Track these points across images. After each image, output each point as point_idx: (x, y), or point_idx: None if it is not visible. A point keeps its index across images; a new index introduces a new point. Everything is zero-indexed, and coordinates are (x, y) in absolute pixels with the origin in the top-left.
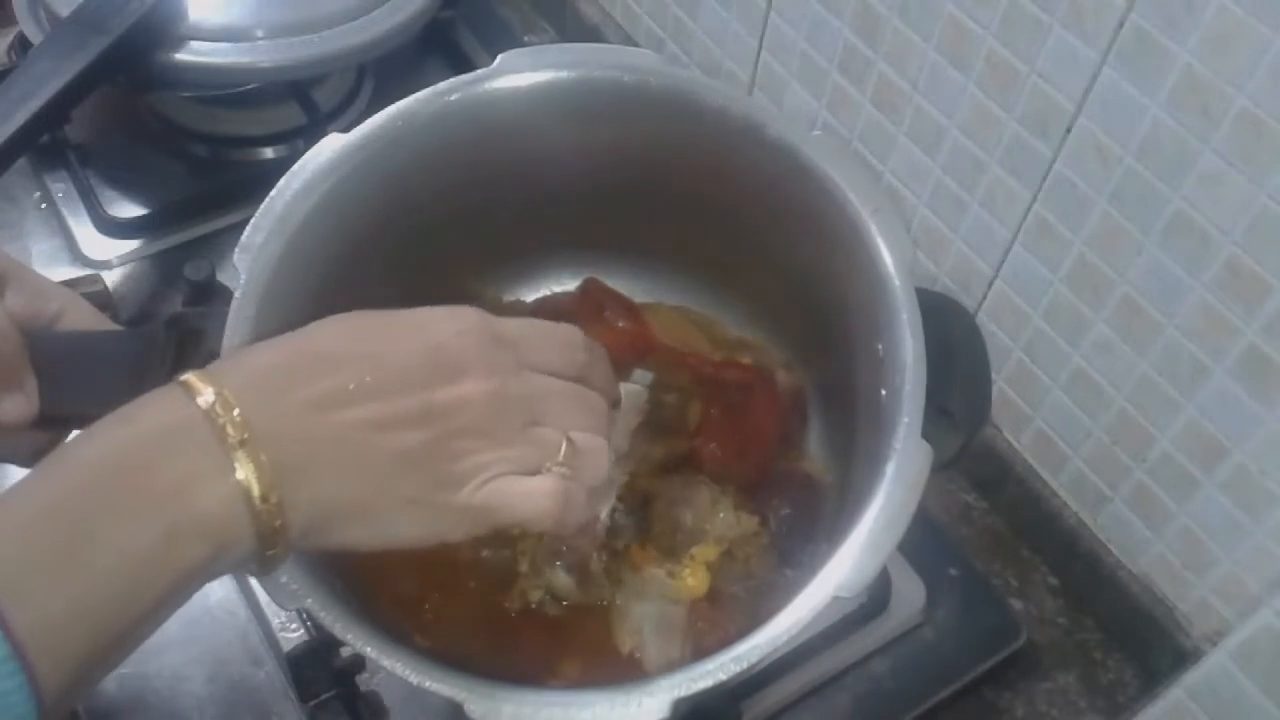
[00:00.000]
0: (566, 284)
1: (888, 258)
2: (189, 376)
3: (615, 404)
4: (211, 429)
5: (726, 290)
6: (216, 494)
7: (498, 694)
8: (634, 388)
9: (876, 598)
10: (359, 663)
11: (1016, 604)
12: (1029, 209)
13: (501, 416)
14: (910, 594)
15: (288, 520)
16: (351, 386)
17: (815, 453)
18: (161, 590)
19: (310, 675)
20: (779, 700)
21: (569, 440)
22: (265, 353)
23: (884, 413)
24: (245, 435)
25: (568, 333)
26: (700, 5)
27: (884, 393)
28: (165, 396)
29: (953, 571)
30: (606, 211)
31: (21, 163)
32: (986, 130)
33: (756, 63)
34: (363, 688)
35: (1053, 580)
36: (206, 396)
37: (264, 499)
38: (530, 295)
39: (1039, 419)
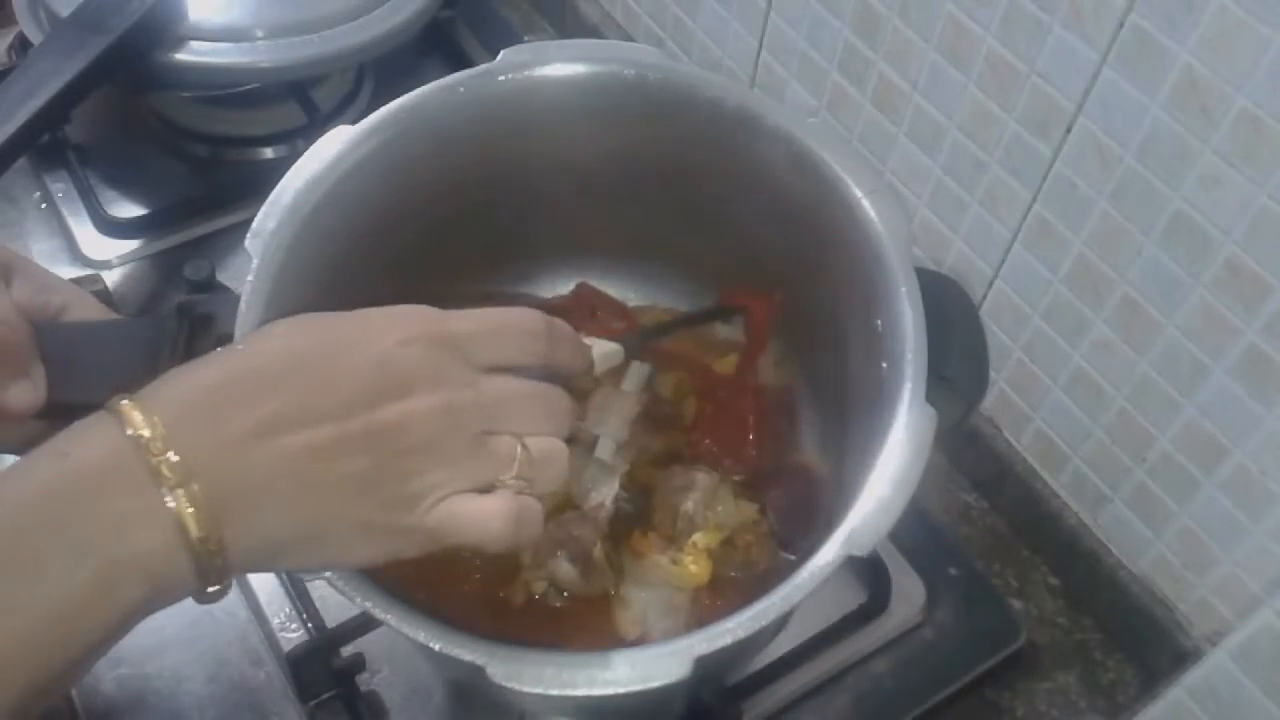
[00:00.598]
0: (560, 289)
1: (885, 234)
2: (123, 404)
3: (589, 370)
4: (145, 465)
5: (720, 288)
6: (153, 534)
7: (520, 657)
8: (612, 347)
9: (876, 598)
10: (359, 662)
11: (1016, 604)
12: (1029, 209)
13: (451, 432)
14: (910, 594)
15: (229, 556)
16: (292, 410)
17: (810, 446)
18: (99, 630)
19: (310, 675)
20: (779, 700)
21: (524, 448)
22: (201, 373)
23: (885, 386)
24: (181, 473)
25: (524, 320)
26: (700, 5)
27: (884, 365)
28: (98, 428)
29: (953, 571)
30: (602, 212)
31: (21, 163)
32: (986, 130)
33: (756, 62)
34: (363, 688)
35: (1053, 580)
36: (140, 429)
37: (203, 539)
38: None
39: (1039, 419)
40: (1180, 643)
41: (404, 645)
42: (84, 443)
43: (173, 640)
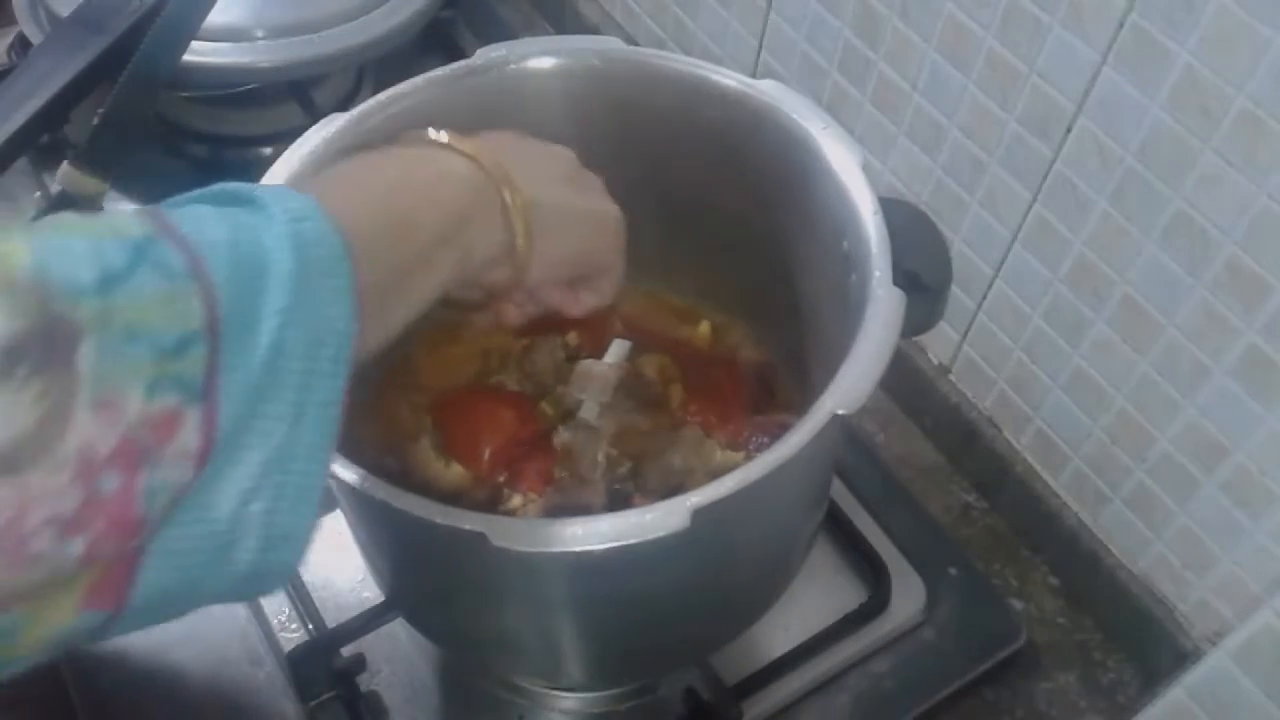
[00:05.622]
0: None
1: (842, 161)
2: (455, 142)
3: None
4: (492, 188)
5: (697, 268)
6: (492, 238)
7: (518, 522)
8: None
9: (876, 598)
10: (359, 662)
11: (1016, 604)
12: (1029, 209)
13: None
14: (910, 594)
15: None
16: (559, 169)
17: (793, 406)
18: (443, 261)
19: (310, 675)
20: (779, 700)
21: None
22: (496, 136)
23: (853, 294)
24: (520, 206)
25: None
26: (700, 5)
27: (853, 277)
28: (442, 156)
29: (953, 571)
30: None
31: (21, 163)
32: (986, 130)
33: (756, 63)
34: (363, 688)
35: (1053, 580)
36: (482, 162)
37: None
38: None
39: (1039, 419)
40: (1180, 643)
41: (404, 645)
42: (431, 162)
43: (173, 640)
